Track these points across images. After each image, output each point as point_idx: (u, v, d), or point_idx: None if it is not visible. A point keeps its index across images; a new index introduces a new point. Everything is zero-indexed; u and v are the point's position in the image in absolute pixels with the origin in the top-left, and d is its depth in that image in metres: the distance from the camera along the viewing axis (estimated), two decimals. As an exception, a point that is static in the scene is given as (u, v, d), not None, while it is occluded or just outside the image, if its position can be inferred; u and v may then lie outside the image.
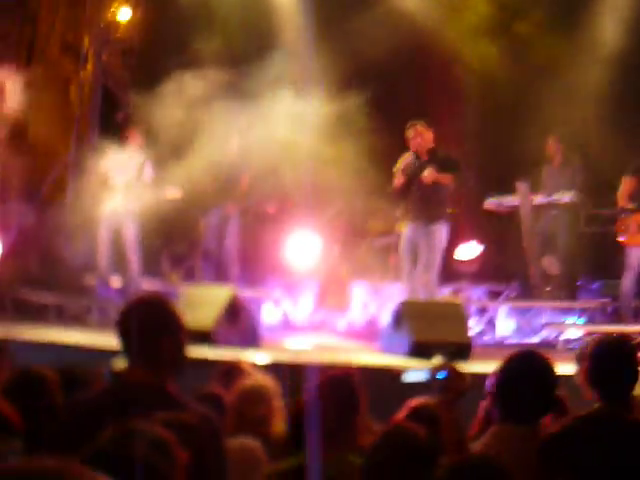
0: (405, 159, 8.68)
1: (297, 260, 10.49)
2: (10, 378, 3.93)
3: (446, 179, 8.50)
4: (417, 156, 8.66)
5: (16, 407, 3.26)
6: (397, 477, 2.88)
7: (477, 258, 10.50)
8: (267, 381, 4.64)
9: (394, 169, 8.69)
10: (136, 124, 10.19)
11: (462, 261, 10.46)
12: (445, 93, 10.98)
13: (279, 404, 4.58)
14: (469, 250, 10.47)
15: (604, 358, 3.48)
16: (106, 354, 5.25)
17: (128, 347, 3.27)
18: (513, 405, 3.50)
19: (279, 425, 4.51)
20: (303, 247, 10.49)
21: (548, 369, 3.56)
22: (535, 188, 10.14)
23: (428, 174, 8.43)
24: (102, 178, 9.91)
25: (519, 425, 3.48)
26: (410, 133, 8.66)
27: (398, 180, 8.59)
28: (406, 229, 8.65)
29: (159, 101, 10.22)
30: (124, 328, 3.27)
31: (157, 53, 11.94)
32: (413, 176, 8.56)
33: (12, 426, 3.05)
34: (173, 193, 9.87)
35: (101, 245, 9.78)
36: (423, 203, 8.48)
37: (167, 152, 10.07)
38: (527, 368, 3.53)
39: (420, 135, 8.64)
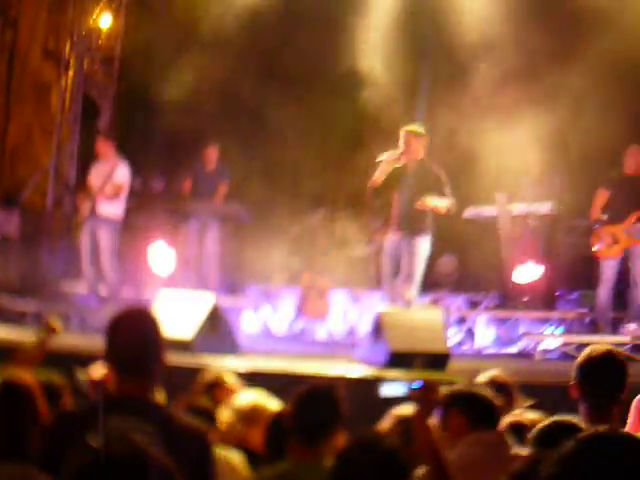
0: (390, 158, 8.29)
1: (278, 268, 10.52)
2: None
3: (441, 210, 8.27)
4: (404, 164, 8.36)
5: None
6: None
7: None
8: (264, 400, 4.62)
9: (377, 160, 8.34)
10: (106, 133, 10.22)
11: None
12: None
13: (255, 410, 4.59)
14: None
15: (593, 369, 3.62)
16: (82, 361, 5.24)
17: (113, 357, 3.28)
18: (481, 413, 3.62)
19: (258, 436, 4.52)
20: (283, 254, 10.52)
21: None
22: (514, 198, 10.22)
23: (421, 204, 8.19)
24: (84, 189, 9.92)
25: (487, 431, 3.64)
26: (402, 137, 8.31)
27: (376, 179, 8.28)
28: (388, 239, 8.49)
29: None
30: (111, 339, 3.28)
31: (139, 61, 11.95)
32: (394, 184, 8.34)
33: None
34: None
35: (83, 252, 9.78)
36: (407, 214, 8.30)
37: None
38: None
39: (412, 141, 8.30)
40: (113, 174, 9.83)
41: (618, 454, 1.78)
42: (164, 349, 3.31)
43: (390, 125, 9.18)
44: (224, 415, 4.48)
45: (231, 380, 5.10)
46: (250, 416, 4.46)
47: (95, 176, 9.93)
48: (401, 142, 8.29)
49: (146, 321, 3.31)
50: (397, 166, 8.33)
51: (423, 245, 8.30)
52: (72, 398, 4.30)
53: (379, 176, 8.26)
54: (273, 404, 4.54)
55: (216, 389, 4.95)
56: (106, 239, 9.73)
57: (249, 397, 4.61)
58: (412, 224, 8.26)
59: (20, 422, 3.49)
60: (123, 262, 9.98)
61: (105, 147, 10.01)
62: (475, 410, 3.90)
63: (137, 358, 3.23)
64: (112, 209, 9.81)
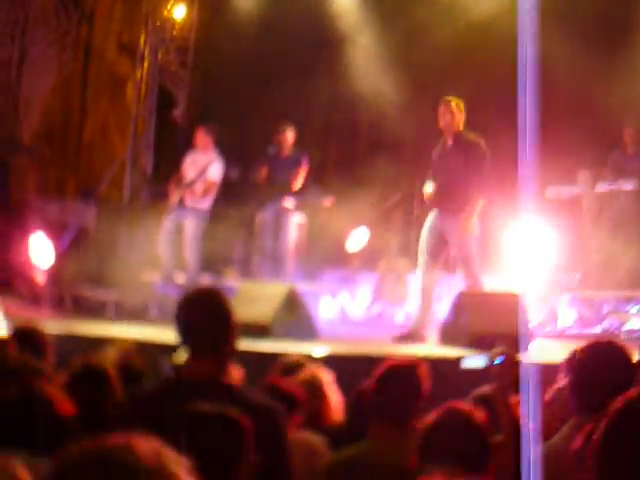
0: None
1: (355, 253, 10.46)
2: (72, 373, 3.95)
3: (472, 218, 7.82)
4: (442, 139, 8.06)
5: (78, 402, 3.27)
6: (451, 453, 2.85)
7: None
8: (320, 373, 4.61)
9: None
10: (202, 124, 10.23)
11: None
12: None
13: (334, 395, 4.55)
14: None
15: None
16: (166, 349, 5.27)
17: (186, 340, 3.27)
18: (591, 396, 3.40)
19: (336, 416, 4.48)
20: (362, 240, 10.45)
21: (626, 360, 3.46)
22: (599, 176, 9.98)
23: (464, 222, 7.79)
24: (176, 178, 9.97)
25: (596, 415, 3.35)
26: (441, 108, 7.97)
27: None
28: (430, 217, 8.09)
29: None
30: (182, 320, 3.28)
31: (213, 52, 12.00)
32: (435, 161, 8.05)
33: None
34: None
35: (163, 242, 9.84)
36: (444, 190, 7.91)
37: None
38: (605, 359, 3.43)
39: (451, 114, 7.96)
40: (207, 169, 9.86)
41: None
42: (236, 330, 3.29)
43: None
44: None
45: (311, 364, 5.05)
46: (307, 389, 4.43)
47: (190, 167, 9.96)
48: (441, 111, 7.96)
49: (217, 302, 3.30)
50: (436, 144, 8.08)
51: (464, 224, 7.84)
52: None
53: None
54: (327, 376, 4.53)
55: (296, 373, 4.91)
56: (192, 228, 9.77)
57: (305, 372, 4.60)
58: (450, 202, 7.87)
59: (98, 400, 3.53)
60: (203, 251, 10.02)
61: (203, 139, 10.02)
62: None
63: (208, 339, 3.23)
64: (201, 202, 9.86)
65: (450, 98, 8.00)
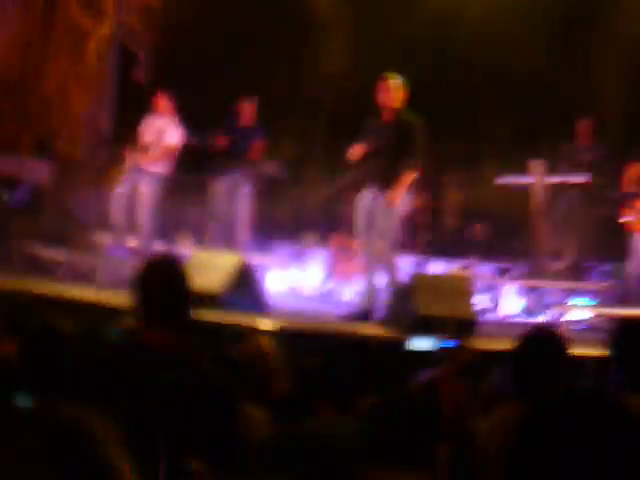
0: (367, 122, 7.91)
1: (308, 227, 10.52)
2: (28, 335, 3.95)
3: (399, 194, 7.82)
4: (379, 117, 7.93)
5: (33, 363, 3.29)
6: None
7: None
8: (266, 344, 4.66)
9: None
10: (162, 88, 10.15)
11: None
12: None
13: (279, 366, 4.61)
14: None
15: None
16: (115, 312, 5.29)
17: (142, 307, 3.32)
18: (529, 383, 3.52)
19: (279, 389, 4.55)
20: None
21: (563, 350, 3.58)
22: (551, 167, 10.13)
23: (390, 198, 7.79)
24: (133, 140, 9.90)
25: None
26: (380, 85, 7.90)
27: (359, 149, 7.89)
28: (362, 196, 8.08)
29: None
30: (138, 287, 3.32)
31: (179, 14, 11.89)
32: (371, 138, 7.88)
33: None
34: None
35: (116, 204, 9.78)
36: (380, 168, 7.88)
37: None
38: (545, 347, 3.55)
39: (388, 91, 7.89)
40: (165, 133, 9.80)
41: None
42: (190, 300, 3.34)
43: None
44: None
45: (257, 335, 5.11)
46: (256, 355, 4.48)
47: (148, 131, 9.89)
48: (380, 88, 7.91)
49: (173, 271, 3.35)
50: (372, 121, 7.98)
51: (398, 202, 7.92)
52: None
53: (362, 146, 7.91)
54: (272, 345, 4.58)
55: (242, 343, 4.96)
56: (147, 192, 9.71)
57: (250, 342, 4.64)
58: (385, 178, 7.88)
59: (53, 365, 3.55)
60: (157, 216, 9.99)
61: (163, 103, 9.94)
62: None
63: (163, 308, 3.27)
64: (158, 166, 9.80)
65: (389, 74, 7.91)
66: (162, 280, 3.31)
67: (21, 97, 11.96)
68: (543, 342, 3.59)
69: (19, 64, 11.99)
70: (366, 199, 8.01)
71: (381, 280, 8.00)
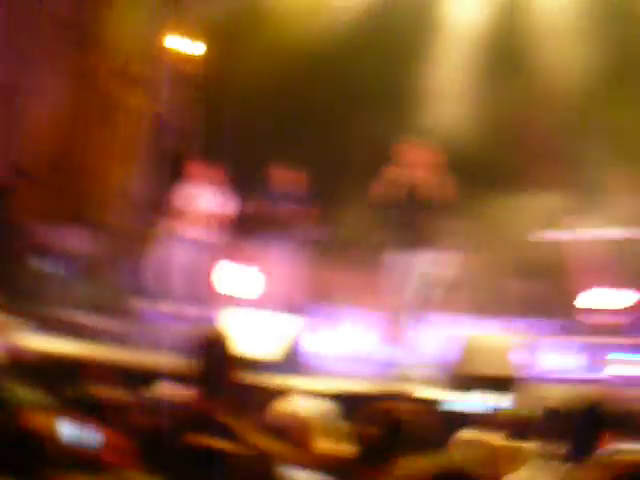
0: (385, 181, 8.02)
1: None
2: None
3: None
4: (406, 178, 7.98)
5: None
6: None
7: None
8: (303, 404, 4.62)
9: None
10: (198, 158, 10.27)
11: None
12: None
13: (320, 426, 4.57)
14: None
15: None
16: (152, 376, 5.29)
17: (193, 378, 3.52)
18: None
19: (324, 447, 4.50)
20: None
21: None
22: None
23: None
24: (170, 208, 9.99)
25: None
26: (401, 149, 8.02)
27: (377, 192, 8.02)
28: (394, 255, 8.16)
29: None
30: (193, 361, 3.48)
31: (219, 87, 12.05)
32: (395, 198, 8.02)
33: None
34: None
35: (151, 269, 9.86)
36: (416, 229, 8.05)
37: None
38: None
39: (411, 154, 8.00)
40: (201, 199, 9.89)
41: None
42: (236, 370, 3.40)
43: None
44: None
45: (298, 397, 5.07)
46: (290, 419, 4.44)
47: (183, 197, 9.98)
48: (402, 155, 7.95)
49: (222, 344, 3.42)
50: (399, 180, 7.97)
51: (427, 262, 7.97)
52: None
53: (381, 189, 7.93)
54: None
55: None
56: (182, 257, 9.80)
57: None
58: (418, 238, 7.96)
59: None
60: (193, 280, 10.04)
61: (198, 170, 10.05)
62: None
63: (212, 379, 3.46)
64: (192, 231, 9.89)
65: (413, 143, 8.03)
66: (211, 352, 3.39)
67: (59, 168, 12.14)
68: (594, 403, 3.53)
69: (57, 136, 12.19)
70: (403, 260, 7.98)
71: (416, 338, 7.93)
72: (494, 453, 4.20)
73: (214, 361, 3.41)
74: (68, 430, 3.25)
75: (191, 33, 12.54)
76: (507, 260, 10.83)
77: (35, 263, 10.45)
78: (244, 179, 10.57)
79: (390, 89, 11.71)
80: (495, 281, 11.17)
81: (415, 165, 7.81)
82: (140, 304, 10.33)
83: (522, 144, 11.15)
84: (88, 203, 11.90)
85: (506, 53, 11.28)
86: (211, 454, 2.85)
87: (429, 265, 7.86)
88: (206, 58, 12.59)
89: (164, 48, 12.48)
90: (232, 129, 11.86)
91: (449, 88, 11.44)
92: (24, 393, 3.96)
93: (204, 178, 10.05)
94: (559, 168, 10.54)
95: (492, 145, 11.13)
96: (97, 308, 10.06)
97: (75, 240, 11.01)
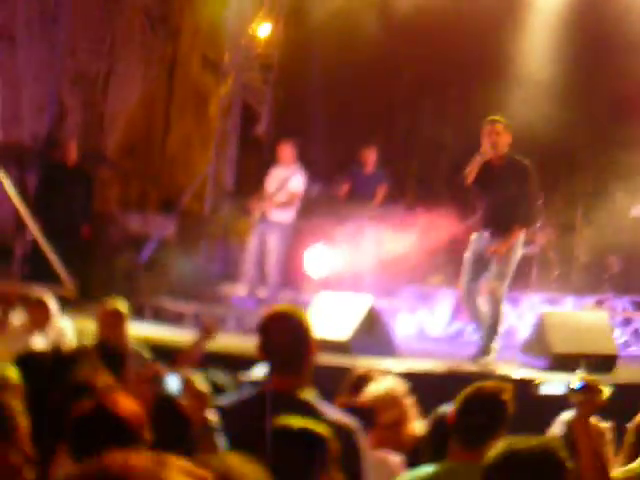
0: (475, 160, 7.52)
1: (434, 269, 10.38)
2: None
3: (505, 247, 7.48)
4: (487, 160, 7.54)
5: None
6: None
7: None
8: (396, 384, 4.54)
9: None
10: (284, 139, 10.29)
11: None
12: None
13: (411, 407, 4.48)
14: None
15: None
16: (242, 362, 5.28)
17: (266, 357, 3.39)
18: None
19: (413, 429, 4.42)
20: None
21: None
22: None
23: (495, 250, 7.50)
24: (259, 193, 10.03)
25: None
26: (486, 129, 7.53)
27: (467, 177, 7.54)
28: (475, 237, 7.74)
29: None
30: (262, 339, 3.39)
31: (296, 69, 12.05)
32: (481, 183, 7.55)
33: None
34: None
35: (249, 254, 9.92)
36: (493, 212, 7.59)
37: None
38: None
39: (497, 134, 7.51)
40: (289, 181, 9.92)
41: None
42: (314, 348, 3.39)
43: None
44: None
45: (378, 375, 4.98)
46: (385, 400, 4.36)
47: (272, 181, 10.04)
48: (487, 131, 7.53)
49: (295, 320, 3.39)
50: (480, 163, 7.54)
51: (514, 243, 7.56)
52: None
53: (469, 174, 7.55)
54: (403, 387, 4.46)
55: (363, 385, 4.85)
56: (275, 243, 9.83)
57: (380, 384, 4.53)
58: (499, 222, 7.55)
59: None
60: (284, 265, 10.05)
61: (286, 153, 10.09)
62: None
63: (287, 357, 3.33)
64: (284, 215, 9.92)
65: (497, 118, 7.64)
66: (285, 331, 3.35)
67: (146, 156, 12.28)
68: None
69: (144, 124, 12.33)
70: (479, 242, 7.74)
71: (487, 318, 7.68)
72: (600, 436, 4.05)
73: (288, 337, 3.32)
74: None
75: (273, 18, 12.54)
76: (607, 237, 10.54)
77: (128, 252, 10.58)
78: (328, 160, 10.55)
79: (477, 70, 11.54)
80: (594, 258, 10.89)
81: (499, 145, 7.57)
82: (232, 290, 10.38)
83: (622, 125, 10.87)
84: (176, 190, 12.00)
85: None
86: (302, 435, 2.81)
87: (514, 248, 7.59)
88: (283, 41, 12.58)
89: (250, 35, 12.49)
90: (310, 111, 11.85)
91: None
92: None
93: (290, 159, 10.05)
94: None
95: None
96: (188, 295, 10.13)
97: (164, 227, 11.11)
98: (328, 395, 4.44)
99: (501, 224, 7.55)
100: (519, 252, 7.68)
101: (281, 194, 9.91)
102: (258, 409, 3.09)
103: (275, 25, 12.64)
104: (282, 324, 3.37)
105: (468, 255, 7.75)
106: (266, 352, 3.36)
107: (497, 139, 7.53)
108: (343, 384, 4.96)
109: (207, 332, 5.85)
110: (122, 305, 6.40)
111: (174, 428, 3.35)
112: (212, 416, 3.14)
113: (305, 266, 10.57)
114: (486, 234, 7.65)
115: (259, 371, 4.34)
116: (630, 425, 4.13)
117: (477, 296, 7.64)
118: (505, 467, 2.73)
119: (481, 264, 7.63)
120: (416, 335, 10.00)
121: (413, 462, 4.02)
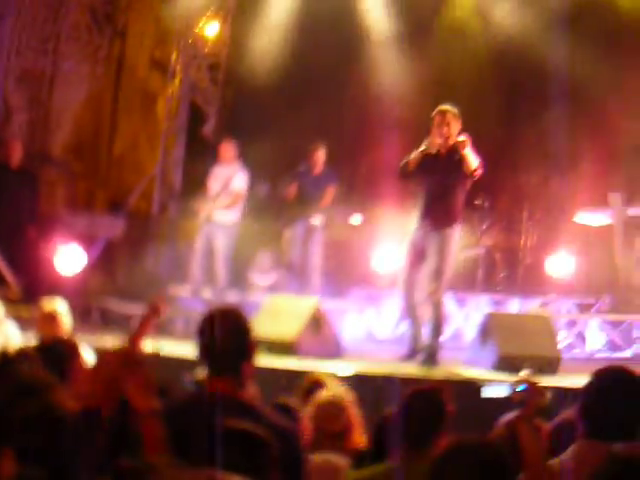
0: (422, 149, 7.47)
1: (382, 271, 10.39)
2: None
3: (469, 165, 7.29)
4: (436, 150, 7.47)
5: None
6: None
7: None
8: (343, 393, 4.56)
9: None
10: (227, 137, 10.26)
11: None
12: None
13: (357, 416, 4.50)
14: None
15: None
16: (188, 364, 5.26)
17: (205, 358, 3.37)
18: (602, 422, 3.36)
19: (358, 437, 4.43)
20: (388, 258, 10.38)
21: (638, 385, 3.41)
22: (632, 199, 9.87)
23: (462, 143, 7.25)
24: (203, 193, 9.99)
25: (605, 442, 3.25)
26: (436, 120, 7.48)
27: (408, 165, 7.50)
28: (414, 231, 7.65)
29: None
30: (202, 340, 3.37)
31: (244, 69, 12.02)
32: (425, 172, 7.47)
33: None
34: None
35: (195, 255, 9.87)
36: (434, 204, 7.49)
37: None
38: (618, 384, 3.38)
39: (448, 125, 7.46)
40: (232, 180, 9.89)
41: None
42: (253, 349, 3.37)
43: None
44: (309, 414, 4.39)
45: (332, 383, 5.00)
46: (331, 410, 4.37)
47: (215, 180, 10.00)
48: (437, 121, 7.48)
49: (233, 321, 3.37)
50: (427, 152, 7.51)
51: (451, 239, 7.52)
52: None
53: (410, 163, 7.50)
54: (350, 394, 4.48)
55: (316, 392, 4.86)
56: (222, 244, 9.81)
57: (328, 392, 4.54)
58: (440, 215, 7.50)
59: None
60: (231, 266, 10.02)
61: (227, 150, 10.06)
62: None
63: (224, 358, 3.31)
64: (228, 216, 9.89)
65: (446, 108, 7.56)
66: (224, 331, 3.33)
67: (94, 157, 12.16)
68: (614, 379, 3.41)
69: (91, 124, 12.21)
70: (417, 236, 7.67)
71: (426, 319, 7.67)
72: (540, 437, 4.09)
73: (225, 338, 3.29)
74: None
75: (221, 17, 12.51)
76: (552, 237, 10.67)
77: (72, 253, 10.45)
78: (274, 160, 10.54)
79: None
80: (536, 259, 11.01)
81: (451, 136, 7.52)
82: (179, 291, 10.32)
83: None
84: (123, 190, 11.91)
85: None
86: (246, 438, 2.80)
87: (452, 244, 7.56)
88: (231, 40, 12.56)
89: (198, 35, 12.45)
90: (257, 111, 11.84)
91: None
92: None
93: (231, 158, 10.03)
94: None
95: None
96: (135, 296, 10.05)
97: (111, 228, 11.02)
98: (272, 396, 4.45)
99: (439, 214, 7.50)
100: (455, 250, 7.65)
101: (225, 194, 9.88)
102: (197, 411, 3.07)
103: (223, 24, 12.61)
104: (220, 325, 3.33)
105: (408, 246, 7.71)
106: (205, 353, 3.34)
107: (448, 130, 7.50)
108: (296, 388, 4.97)
109: (154, 311, 5.77)
110: (59, 304, 6.30)
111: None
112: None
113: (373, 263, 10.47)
114: (425, 224, 7.60)
115: (201, 373, 4.33)
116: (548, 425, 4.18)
117: (416, 289, 7.58)
118: (452, 465, 2.75)
119: (420, 256, 7.59)
120: (364, 337, 10.01)
121: (359, 466, 4.04)
